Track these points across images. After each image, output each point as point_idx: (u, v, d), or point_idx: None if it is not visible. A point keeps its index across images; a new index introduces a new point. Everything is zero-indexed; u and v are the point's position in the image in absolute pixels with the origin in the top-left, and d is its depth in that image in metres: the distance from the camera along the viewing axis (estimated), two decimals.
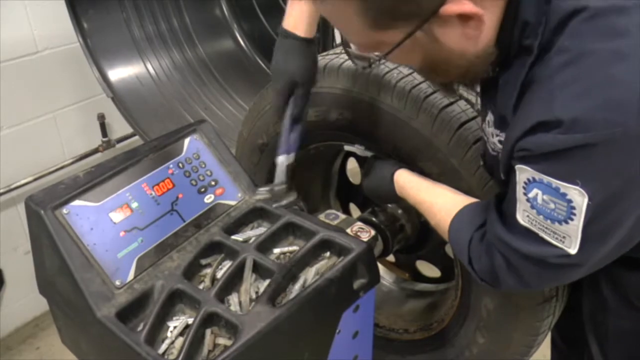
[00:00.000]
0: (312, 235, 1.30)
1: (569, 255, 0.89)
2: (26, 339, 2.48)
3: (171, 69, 2.59)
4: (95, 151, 2.50)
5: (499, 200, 1.03)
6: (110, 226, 1.23)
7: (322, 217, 1.43)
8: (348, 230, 1.37)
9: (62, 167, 2.40)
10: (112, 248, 1.21)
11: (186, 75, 2.61)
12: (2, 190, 2.24)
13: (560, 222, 0.87)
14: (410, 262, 1.92)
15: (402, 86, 1.31)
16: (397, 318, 1.75)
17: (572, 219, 0.85)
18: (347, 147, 1.52)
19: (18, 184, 2.28)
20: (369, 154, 1.46)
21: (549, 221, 0.89)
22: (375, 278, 1.30)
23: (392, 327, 1.71)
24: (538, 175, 0.86)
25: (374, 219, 1.61)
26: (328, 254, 1.30)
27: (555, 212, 0.87)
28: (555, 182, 0.84)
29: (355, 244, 1.28)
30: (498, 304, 1.37)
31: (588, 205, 0.83)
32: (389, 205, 1.66)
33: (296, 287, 1.22)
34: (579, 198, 0.83)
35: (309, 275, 1.24)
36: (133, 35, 2.48)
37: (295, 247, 1.31)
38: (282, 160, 1.37)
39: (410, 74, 1.34)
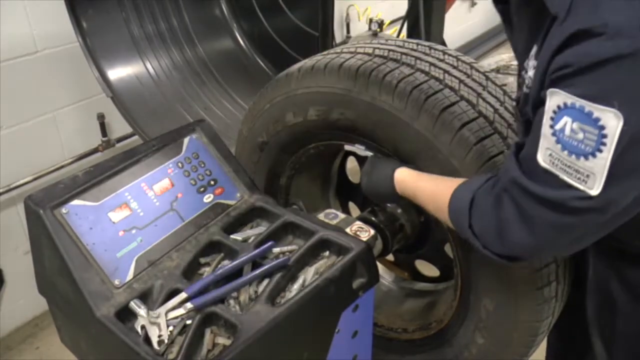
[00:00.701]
0: (311, 235, 1.30)
1: (590, 197, 0.85)
2: (26, 338, 2.48)
3: (171, 69, 2.59)
4: (94, 151, 2.50)
5: (518, 147, 0.98)
6: (110, 226, 1.23)
7: (321, 216, 1.43)
8: (347, 230, 1.37)
9: (61, 167, 2.40)
10: (111, 248, 1.21)
11: (186, 75, 2.61)
12: (1, 190, 2.23)
13: (586, 157, 0.83)
14: (410, 262, 1.92)
15: (403, 86, 1.31)
16: (396, 317, 1.75)
17: (600, 151, 0.81)
18: (347, 147, 1.52)
19: (18, 183, 2.27)
20: (369, 153, 1.46)
21: (573, 157, 0.84)
22: (374, 277, 1.30)
23: (391, 327, 1.71)
24: (571, 99, 0.81)
25: (373, 218, 1.61)
26: (327, 253, 1.30)
27: (583, 144, 0.82)
28: (588, 106, 0.80)
29: (354, 243, 1.28)
30: (497, 305, 1.37)
31: (622, 130, 0.78)
32: (389, 204, 1.66)
33: (295, 287, 1.22)
34: (613, 122, 0.78)
35: (308, 275, 1.24)
36: (132, 34, 2.48)
37: (294, 247, 1.31)
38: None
39: (412, 74, 1.34)
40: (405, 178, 1.31)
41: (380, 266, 1.84)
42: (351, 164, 1.92)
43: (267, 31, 2.65)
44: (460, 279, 1.44)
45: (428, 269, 1.90)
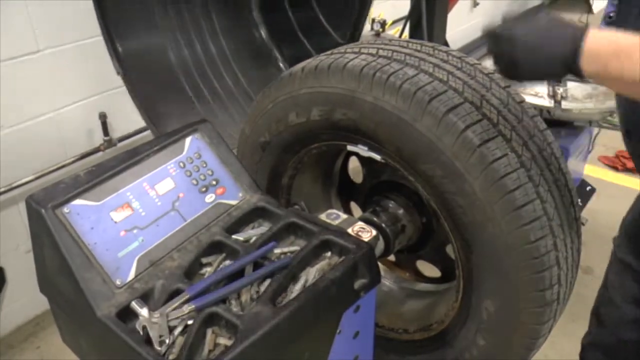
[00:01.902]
0: (313, 235, 1.30)
1: None
2: (27, 337, 2.48)
3: (211, 96, 2.50)
4: (96, 150, 2.49)
5: None
6: (111, 225, 1.23)
7: (323, 217, 1.43)
8: (349, 230, 1.38)
9: (63, 166, 2.40)
10: (113, 247, 1.21)
11: (225, 103, 2.54)
12: (3, 189, 2.23)
13: None
14: (411, 262, 1.91)
15: (407, 87, 1.31)
16: (397, 318, 1.75)
17: None
18: (349, 147, 1.52)
19: (19, 182, 2.27)
20: (372, 154, 1.46)
21: None
22: (376, 278, 1.30)
23: (392, 327, 1.71)
24: None
25: (375, 218, 1.61)
26: (329, 253, 1.30)
27: None
28: None
29: (356, 244, 1.28)
30: (499, 307, 1.37)
31: None
32: (390, 205, 1.66)
33: (297, 287, 1.22)
34: None
35: (310, 275, 1.24)
36: (169, 60, 2.41)
37: (296, 247, 1.31)
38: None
39: (415, 75, 1.33)
40: (602, 48, 0.94)
41: (381, 266, 1.84)
42: (353, 164, 1.92)
43: (310, 55, 2.53)
44: (461, 280, 1.44)
45: (429, 269, 1.90)
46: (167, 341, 1.09)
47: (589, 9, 4.58)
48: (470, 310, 1.45)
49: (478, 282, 1.39)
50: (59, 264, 1.18)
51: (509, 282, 1.31)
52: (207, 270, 1.27)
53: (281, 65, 2.63)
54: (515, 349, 1.41)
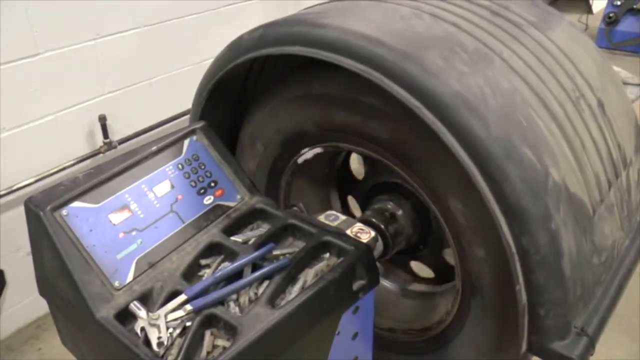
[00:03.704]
0: (311, 237, 1.30)
1: None
2: (28, 339, 2.48)
3: None
4: (96, 152, 2.50)
5: None
6: (110, 227, 1.23)
7: (322, 218, 1.43)
8: (348, 232, 1.37)
9: (63, 169, 2.40)
10: (112, 249, 1.21)
11: None
12: (3, 192, 2.24)
13: None
14: (405, 263, 1.91)
15: None
16: (396, 319, 1.74)
17: None
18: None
19: (19, 185, 2.28)
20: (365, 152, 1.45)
21: None
22: (375, 279, 1.30)
23: (392, 329, 1.70)
24: None
25: (374, 220, 1.61)
26: (327, 255, 1.30)
27: None
28: None
29: (354, 245, 1.28)
30: (497, 302, 1.36)
31: None
32: (389, 206, 1.65)
33: (295, 289, 1.22)
34: None
35: (309, 277, 1.24)
36: None
37: (294, 249, 1.31)
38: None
39: None
40: None
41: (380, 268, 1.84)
42: (354, 164, 1.92)
43: None
44: (460, 280, 1.44)
45: (423, 270, 1.90)
46: (165, 343, 1.09)
47: (589, 9, 4.58)
48: (470, 308, 1.44)
49: (477, 279, 1.38)
50: (58, 266, 1.19)
51: (506, 278, 1.31)
52: (206, 271, 1.27)
53: None
54: (515, 347, 1.40)
